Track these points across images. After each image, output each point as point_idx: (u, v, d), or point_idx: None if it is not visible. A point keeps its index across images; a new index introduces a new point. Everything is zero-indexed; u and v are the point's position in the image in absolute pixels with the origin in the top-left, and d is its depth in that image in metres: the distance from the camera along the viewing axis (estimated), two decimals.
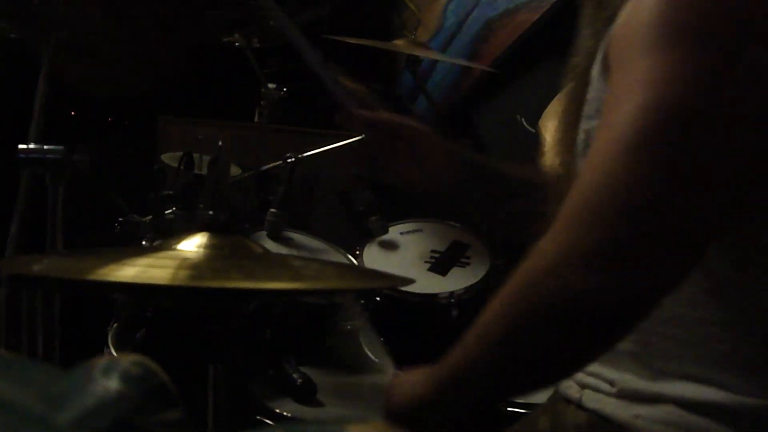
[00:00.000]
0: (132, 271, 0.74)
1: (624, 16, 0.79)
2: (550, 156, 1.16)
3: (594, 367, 0.88)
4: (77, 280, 0.74)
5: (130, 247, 1.50)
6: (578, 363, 0.76)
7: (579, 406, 0.89)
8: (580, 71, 0.93)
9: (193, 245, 0.85)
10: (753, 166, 0.73)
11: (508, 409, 1.35)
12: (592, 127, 0.86)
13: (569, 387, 0.91)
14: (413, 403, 0.82)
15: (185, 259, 0.80)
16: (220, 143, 1.70)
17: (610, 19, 0.84)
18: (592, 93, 0.86)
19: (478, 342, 0.75)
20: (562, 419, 0.92)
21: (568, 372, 0.80)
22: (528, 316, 0.71)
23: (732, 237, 0.77)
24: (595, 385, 0.88)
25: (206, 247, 0.84)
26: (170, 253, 0.84)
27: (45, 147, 1.28)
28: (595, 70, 0.85)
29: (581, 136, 0.89)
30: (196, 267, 0.78)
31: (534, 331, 0.71)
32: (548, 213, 0.75)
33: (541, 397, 1.06)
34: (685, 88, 0.69)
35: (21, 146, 1.29)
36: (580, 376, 0.90)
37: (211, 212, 0.81)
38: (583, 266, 0.66)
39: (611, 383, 0.86)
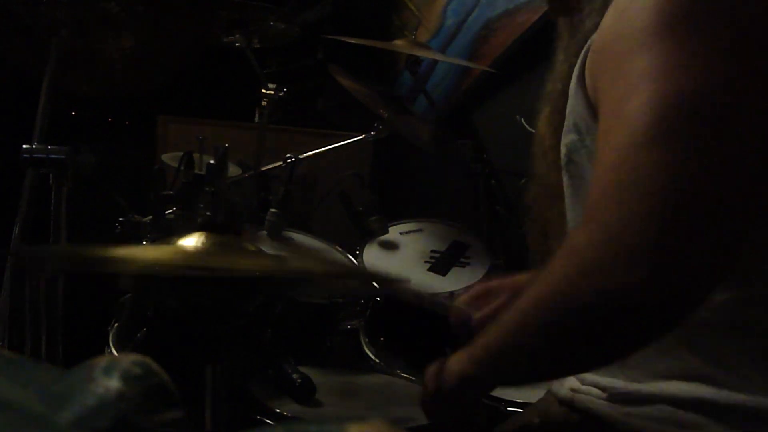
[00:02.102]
0: (133, 252, 0.75)
1: (607, 21, 0.78)
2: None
3: (584, 375, 0.89)
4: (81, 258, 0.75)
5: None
6: (619, 356, 0.75)
7: (571, 406, 0.90)
8: (556, 95, 0.94)
9: (191, 243, 0.86)
10: None
11: (508, 408, 1.35)
12: (571, 140, 0.87)
13: (561, 387, 0.92)
14: (459, 379, 0.84)
15: (183, 247, 0.81)
16: (227, 146, 1.70)
17: (583, 41, 0.84)
18: (569, 108, 0.87)
19: (517, 329, 0.76)
20: (554, 418, 0.93)
21: (607, 363, 0.79)
22: (569, 314, 0.70)
23: None
24: (586, 390, 0.89)
25: (204, 244, 0.85)
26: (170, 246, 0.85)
27: (49, 147, 1.29)
28: (572, 87, 0.86)
29: (563, 150, 0.90)
30: (193, 252, 0.79)
31: (576, 328, 0.70)
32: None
33: (535, 395, 1.07)
34: (699, 72, 0.67)
35: (25, 146, 1.29)
36: (570, 380, 0.91)
37: (208, 213, 0.82)
38: (626, 263, 0.65)
39: (602, 389, 0.87)
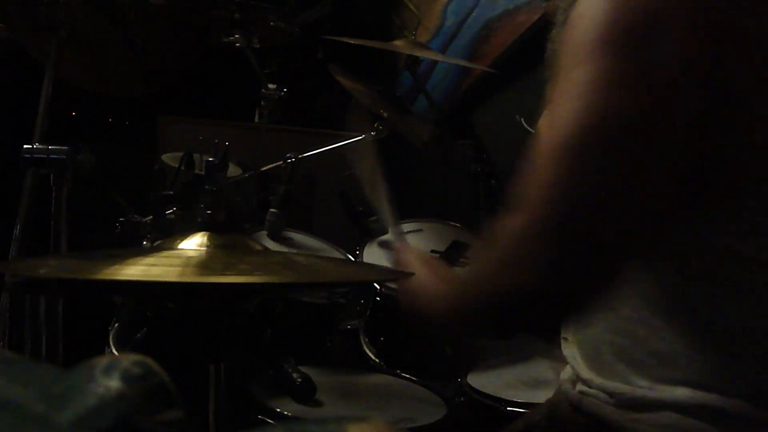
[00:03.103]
0: (136, 270, 0.75)
1: (564, 33, 0.82)
2: None
3: (592, 378, 0.90)
4: (82, 280, 0.74)
5: (132, 248, 1.50)
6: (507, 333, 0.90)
7: (578, 409, 0.91)
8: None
9: (193, 244, 0.85)
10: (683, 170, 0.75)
11: (508, 408, 1.35)
12: None
13: (570, 389, 0.93)
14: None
15: (189, 257, 0.80)
16: (227, 143, 1.70)
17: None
18: None
19: (427, 303, 0.92)
20: (561, 420, 0.93)
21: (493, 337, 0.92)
22: (469, 301, 0.84)
23: (676, 251, 0.80)
24: (594, 394, 0.89)
25: (207, 246, 0.85)
26: (172, 252, 0.84)
27: (49, 147, 1.28)
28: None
29: None
30: (199, 264, 0.79)
31: (465, 312, 0.86)
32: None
33: (541, 396, 1.07)
34: (606, 97, 0.72)
35: (25, 146, 1.29)
36: (579, 385, 0.92)
37: (209, 211, 0.82)
38: (519, 266, 0.74)
39: (609, 394, 0.87)
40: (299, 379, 1.29)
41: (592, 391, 0.89)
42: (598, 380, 0.89)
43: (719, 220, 0.78)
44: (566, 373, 0.97)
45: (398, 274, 1.02)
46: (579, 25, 0.76)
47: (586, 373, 0.91)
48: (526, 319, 0.78)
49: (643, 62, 0.72)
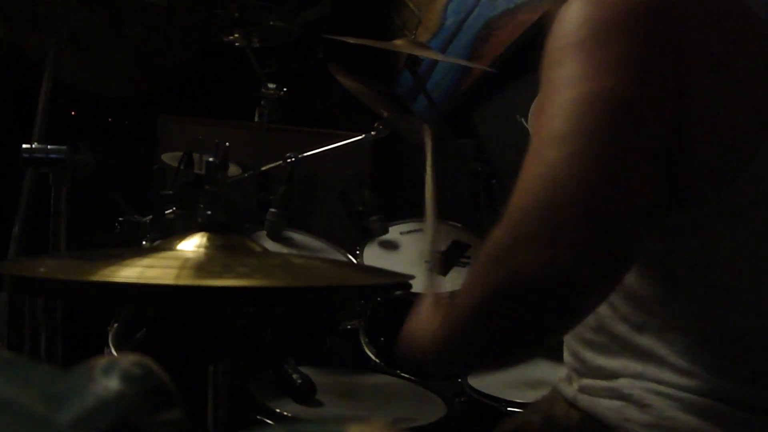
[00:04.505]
0: (134, 271, 0.74)
1: (552, 31, 0.84)
2: None
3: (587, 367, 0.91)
4: (79, 282, 0.74)
5: (130, 249, 1.50)
6: (538, 335, 0.77)
7: (574, 406, 0.91)
8: None
9: (192, 245, 0.85)
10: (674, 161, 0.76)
11: (508, 408, 1.35)
12: None
13: (567, 387, 0.93)
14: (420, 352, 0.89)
15: (187, 259, 0.80)
16: (227, 144, 1.70)
17: None
18: None
19: (453, 319, 0.81)
20: (557, 417, 0.94)
21: (531, 345, 0.81)
22: (488, 297, 0.74)
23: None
24: (590, 387, 0.90)
25: (206, 246, 0.84)
26: (171, 253, 0.84)
27: (48, 147, 1.28)
28: None
29: None
30: (198, 267, 0.78)
31: (494, 309, 0.74)
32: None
33: (541, 396, 1.07)
34: (600, 80, 0.73)
35: (24, 146, 1.29)
36: (576, 381, 0.93)
37: (209, 212, 0.82)
38: (527, 246, 0.69)
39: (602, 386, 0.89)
40: (299, 380, 1.29)
41: (587, 381, 0.91)
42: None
43: (683, 224, 0.81)
44: (563, 371, 0.98)
45: (400, 277, 1.01)
46: (557, 31, 0.79)
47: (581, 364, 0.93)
48: (545, 306, 0.71)
49: (616, 53, 0.74)
